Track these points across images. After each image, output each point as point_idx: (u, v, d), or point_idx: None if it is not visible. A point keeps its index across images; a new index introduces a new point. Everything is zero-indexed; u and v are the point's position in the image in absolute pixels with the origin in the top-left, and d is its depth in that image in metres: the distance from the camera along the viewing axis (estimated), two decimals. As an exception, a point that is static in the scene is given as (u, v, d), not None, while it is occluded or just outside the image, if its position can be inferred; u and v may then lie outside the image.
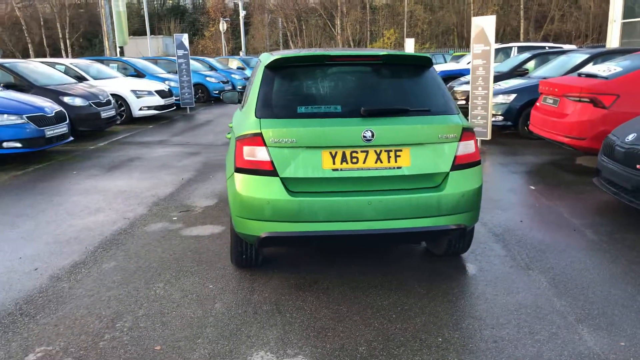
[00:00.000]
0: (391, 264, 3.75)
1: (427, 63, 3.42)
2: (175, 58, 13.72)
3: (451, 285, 3.41)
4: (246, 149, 3.10)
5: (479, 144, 8.18)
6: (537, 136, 7.36)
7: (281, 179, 3.04)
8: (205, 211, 5.08)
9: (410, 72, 3.43)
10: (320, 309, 3.10)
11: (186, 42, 13.61)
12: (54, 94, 9.00)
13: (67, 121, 8.04)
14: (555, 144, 6.83)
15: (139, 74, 14.45)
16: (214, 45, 46.14)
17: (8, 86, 8.84)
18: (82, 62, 13.12)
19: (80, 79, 11.59)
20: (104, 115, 9.65)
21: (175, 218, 4.88)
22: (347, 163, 3.06)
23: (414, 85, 3.41)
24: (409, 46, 17.31)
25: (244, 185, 3.10)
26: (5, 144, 6.97)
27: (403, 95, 3.36)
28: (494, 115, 8.69)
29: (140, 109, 11.72)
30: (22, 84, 9.12)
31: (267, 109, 3.18)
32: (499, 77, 10.31)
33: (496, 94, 8.80)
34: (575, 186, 5.82)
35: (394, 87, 3.42)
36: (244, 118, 3.35)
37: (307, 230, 3.06)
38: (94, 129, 9.79)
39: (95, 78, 12.02)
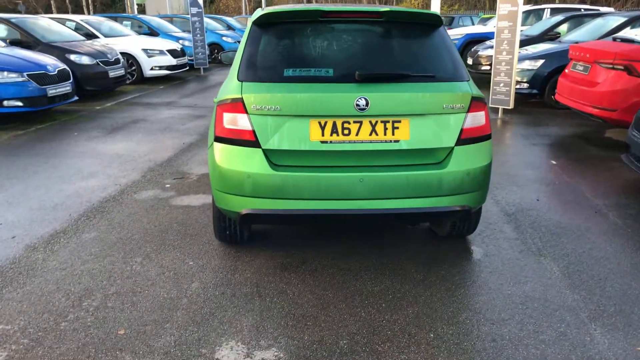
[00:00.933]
0: (388, 244, 3.45)
1: (435, 22, 3.00)
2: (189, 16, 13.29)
3: (451, 271, 3.09)
4: (226, 116, 2.79)
5: (500, 113, 7.72)
6: (564, 106, 6.83)
7: (264, 150, 2.73)
8: (201, 179, 4.83)
9: (416, 32, 3.02)
10: (303, 294, 2.84)
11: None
12: (60, 52, 8.75)
13: (71, 80, 7.81)
14: (583, 115, 6.30)
15: (152, 32, 14.09)
16: (235, 3, 45.09)
17: (14, 42, 8.61)
18: (94, 19, 12.79)
19: (91, 36, 11.31)
20: (112, 74, 9.39)
21: (168, 186, 4.64)
22: (337, 135, 2.73)
23: (419, 47, 3.01)
24: (435, 7, 16.41)
25: (224, 157, 2.81)
26: (5, 103, 6.78)
27: (405, 59, 2.97)
28: (518, 82, 8.12)
29: (152, 69, 11.41)
30: (28, 41, 8.87)
31: (251, 71, 2.85)
32: (528, 41, 9.63)
33: (522, 59, 8.19)
34: (601, 162, 5.36)
35: (396, 49, 3.02)
36: (228, 81, 3.02)
37: (291, 208, 2.76)
38: (101, 89, 9.56)
39: (106, 36, 11.72)
